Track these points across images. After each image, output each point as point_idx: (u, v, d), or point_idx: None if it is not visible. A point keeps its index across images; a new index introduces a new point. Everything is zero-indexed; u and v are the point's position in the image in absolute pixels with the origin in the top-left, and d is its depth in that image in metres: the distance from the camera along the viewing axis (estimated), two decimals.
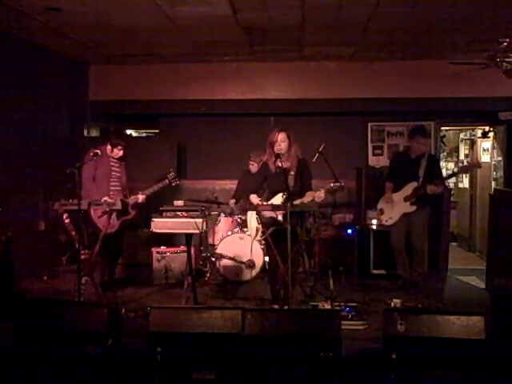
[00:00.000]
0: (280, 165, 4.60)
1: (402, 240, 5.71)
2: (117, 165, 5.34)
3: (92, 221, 4.98)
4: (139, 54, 7.11)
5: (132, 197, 5.29)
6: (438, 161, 6.09)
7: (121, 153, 5.29)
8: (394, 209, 5.70)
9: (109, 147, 5.26)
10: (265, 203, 4.70)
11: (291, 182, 4.59)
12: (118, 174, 5.35)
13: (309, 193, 4.67)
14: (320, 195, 4.56)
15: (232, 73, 7.61)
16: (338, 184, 4.62)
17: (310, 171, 4.88)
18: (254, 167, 6.48)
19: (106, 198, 4.97)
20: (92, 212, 4.94)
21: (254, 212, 4.76)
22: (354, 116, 7.79)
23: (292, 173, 4.63)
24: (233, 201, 6.63)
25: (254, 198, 4.77)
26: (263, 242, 5.04)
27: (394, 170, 5.88)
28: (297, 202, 4.51)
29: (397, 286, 5.78)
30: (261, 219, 4.63)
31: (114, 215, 5.01)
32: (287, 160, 4.66)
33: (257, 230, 4.79)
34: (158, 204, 5.08)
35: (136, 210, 5.34)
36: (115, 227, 5.17)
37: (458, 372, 3.11)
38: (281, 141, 4.65)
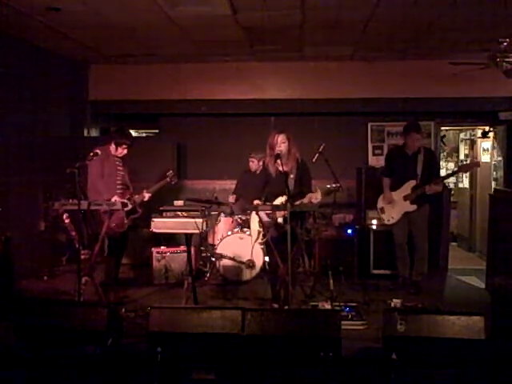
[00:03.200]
0: (280, 167, 4.60)
1: (405, 236, 5.68)
2: (120, 164, 5.36)
3: (101, 219, 4.94)
4: (139, 54, 7.11)
5: (139, 195, 5.35)
6: (434, 155, 6.03)
7: (125, 151, 5.30)
8: (394, 208, 5.68)
9: (113, 146, 5.25)
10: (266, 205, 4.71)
11: (291, 185, 4.58)
12: (122, 173, 5.36)
13: (309, 195, 4.69)
14: (317, 196, 4.57)
15: (232, 73, 7.62)
16: (334, 185, 4.62)
17: (310, 173, 4.89)
18: (254, 164, 6.50)
19: (115, 198, 5.00)
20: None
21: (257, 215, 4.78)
22: (354, 116, 7.80)
23: (292, 176, 4.63)
24: (233, 196, 6.63)
25: (258, 204, 4.76)
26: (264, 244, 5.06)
27: (391, 166, 5.83)
28: (296, 203, 4.51)
29: (397, 286, 5.78)
30: (262, 222, 4.63)
31: (123, 214, 5.13)
32: (287, 162, 4.65)
33: (258, 233, 4.79)
34: (158, 204, 5.08)
35: (142, 208, 5.42)
36: (125, 226, 5.26)
37: (458, 372, 3.11)
38: (281, 142, 4.66)
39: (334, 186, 4.62)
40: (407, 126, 5.73)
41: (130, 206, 5.16)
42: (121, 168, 5.35)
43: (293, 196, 4.44)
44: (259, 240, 4.82)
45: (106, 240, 5.17)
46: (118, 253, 5.38)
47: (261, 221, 4.63)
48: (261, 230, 4.77)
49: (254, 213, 4.98)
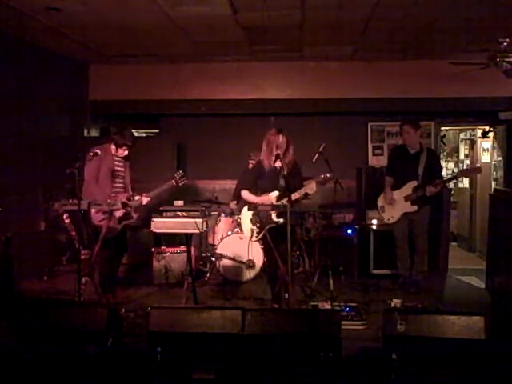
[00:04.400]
0: (277, 165, 4.63)
1: (405, 235, 5.70)
2: (121, 164, 5.22)
3: (92, 223, 4.91)
4: (139, 54, 7.11)
5: (136, 198, 5.12)
6: (437, 156, 6.06)
7: (126, 153, 5.16)
8: (394, 208, 5.68)
9: (113, 147, 5.12)
10: (262, 202, 4.72)
11: (282, 181, 4.60)
12: (122, 174, 5.23)
13: (304, 187, 4.70)
14: (312, 187, 4.57)
15: (232, 73, 7.61)
16: (328, 175, 4.62)
17: (301, 173, 4.92)
18: None
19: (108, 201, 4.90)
20: (92, 215, 4.86)
21: (248, 213, 4.77)
22: (354, 116, 7.79)
23: (284, 172, 4.64)
24: (234, 202, 6.61)
25: (246, 194, 4.79)
26: (260, 242, 5.06)
27: (393, 165, 5.84)
28: (294, 195, 4.50)
29: (397, 286, 5.78)
30: (260, 218, 4.64)
31: (114, 220, 4.90)
32: (284, 160, 4.67)
33: (251, 232, 4.79)
34: (158, 204, 5.07)
35: (139, 213, 5.20)
36: (116, 231, 5.04)
37: (458, 372, 3.10)
38: (283, 142, 4.70)
39: (328, 175, 4.62)
40: (402, 121, 5.80)
41: (120, 210, 4.83)
42: (120, 168, 5.22)
43: (285, 192, 4.45)
44: (253, 238, 4.81)
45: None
46: (112, 255, 5.08)
47: (257, 215, 4.64)
48: (254, 228, 4.77)
49: (243, 211, 4.97)
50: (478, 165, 8.41)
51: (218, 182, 7.73)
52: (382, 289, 5.78)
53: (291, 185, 4.64)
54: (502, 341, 3.55)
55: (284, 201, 4.44)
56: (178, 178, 5.17)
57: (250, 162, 6.52)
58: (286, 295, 4.48)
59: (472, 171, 6.90)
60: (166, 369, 3.19)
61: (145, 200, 5.12)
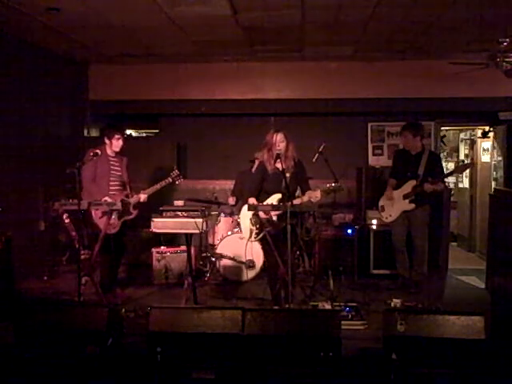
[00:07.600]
0: (279, 166, 4.61)
1: (402, 238, 5.71)
2: (117, 163, 5.26)
3: (93, 221, 4.95)
4: (139, 54, 7.11)
5: (134, 196, 5.21)
6: (438, 157, 6.05)
7: (120, 142, 5.16)
8: (393, 206, 5.70)
9: (107, 142, 5.15)
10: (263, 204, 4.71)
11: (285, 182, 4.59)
12: (119, 173, 5.26)
13: (308, 192, 4.69)
14: (316, 195, 4.57)
15: (232, 73, 7.62)
16: (334, 184, 4.61)
17: (306, 172, 4.90)
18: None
19: (106, 198, 4.93)
20: (93, 212, 4.91)
21: (248, 213, 4.77)
22: (354, 116, 7.80)
23: (287, 174, 4.63)
24: (232, 198, 6.59)
25: (253, 202, 4.76)
26: (259, 242, 5.04)
27: (396, 167, 5.87)
28: (296, 201, 4.51)
29: (397, 286, 5.78)
30: (260, 220, 4.64)
31: (115, 216, 4.97)
32: (285, 161, 4.66)
33: (250, 232, 4.78)
34: (158, 204, 5.08)
35: (138, 210, 5.28)
36: (117, 228, 5.10)
37: (458, 372, 3.11)
38: (280, 141, 4.68)
39: (333, 185, 4.62)
40: (403, 126, 5.81)
41: (120, 209, 4.90)
42: (117, 168, 5.25)
43: (290, 194, 4.44)
44: (252, 238, 4.80)
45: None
46: (112, 254, 5.13)
47: (258, 217, 4.63)
48: (253, 228, 4.76)
49: (242, 211, 4.96)
50: (473, 160, 8.55)
51: (218, 182, 7.73)
52: (381, 289, 5.78)
53: (295, 187, 4.63)
54: (501, 341, 3.55)
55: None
56: (174, 176, 5.26)
57: (256, 159, 6.48)
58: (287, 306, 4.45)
59: (466, 167, 7.01)
60: (165, 369, 3.20)
61: (142, 197, 5.21)
